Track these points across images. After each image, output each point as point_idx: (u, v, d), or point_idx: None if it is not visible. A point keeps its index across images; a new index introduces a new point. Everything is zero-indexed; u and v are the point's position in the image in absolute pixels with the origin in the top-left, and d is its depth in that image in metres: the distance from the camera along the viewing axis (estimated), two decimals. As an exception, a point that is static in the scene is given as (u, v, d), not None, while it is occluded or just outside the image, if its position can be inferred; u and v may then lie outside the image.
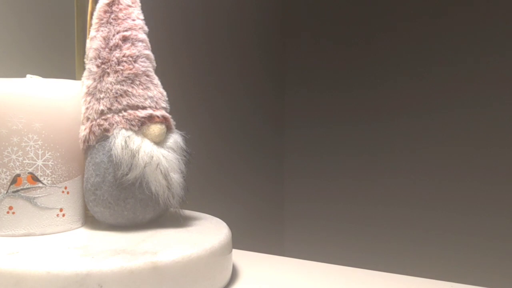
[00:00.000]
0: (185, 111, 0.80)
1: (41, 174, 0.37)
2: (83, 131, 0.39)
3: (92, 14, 0.40)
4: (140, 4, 0.41)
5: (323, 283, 0.39)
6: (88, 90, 0.39)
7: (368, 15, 1.10)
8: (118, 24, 0.39)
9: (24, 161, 0.37)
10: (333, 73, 1.14)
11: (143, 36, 0.40)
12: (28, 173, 0.37)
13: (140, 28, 0.40)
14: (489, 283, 0.42)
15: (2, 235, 0.37)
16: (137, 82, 0.39)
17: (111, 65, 0.38)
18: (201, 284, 0.34)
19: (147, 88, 0.39)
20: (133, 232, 0.38)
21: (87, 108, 0.39)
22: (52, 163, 0.38)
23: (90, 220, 0.42)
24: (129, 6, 0.40)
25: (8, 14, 0.53)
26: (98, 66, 0.39)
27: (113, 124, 0.38)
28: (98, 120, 0.38)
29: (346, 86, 1.13)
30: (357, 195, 1.11)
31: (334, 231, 1.14)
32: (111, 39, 0.39)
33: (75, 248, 0.34)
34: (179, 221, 0.41)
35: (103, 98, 0.38)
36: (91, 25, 0.40)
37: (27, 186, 0.37)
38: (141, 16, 0.40)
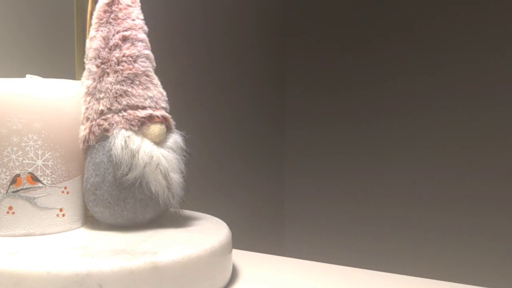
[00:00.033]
0: (185, 111, 0.80)
1: (41, 174, 0.37)
2: (83, 131, 0.39)
3: (92, 14, 0.40)
4: (140, 4, 0.41)
5: (323, 283, 0.39)
6: (88, 90, 0.39)
7: (368, 15, 1.10)
8: (118, 24, 0.39)
9: (24, 161, 0.37)
10: (333, 73, 1.14)
11: (143, 36, 0.40)
12: (28, 173, 0.37)
13: (140, 28, 0.40)
14: (489, 283, 0.42)
15: (2, 235, 0.37)
16: (137, 82, 0.39)
17: (110, 65, 0.38)
18: (201, 284, 0.34)
19: (147, 88, 0.39)
20: (133, 232, 0.38)
21: (87, 108, 0.39)
22: (52, 163, 0.38)
23: (90, 220, 0.42)
24: (129, 6, 0.40)
25: (8, 14, 0.53)
26: (97, 66, 0.39)
27: (113, 124, 0.38)
28: (98, 120, 0.38)
29: (346, 86, 1.13)
30: (357, 195, 1.11)
31: (334, 231, 1.14)
32: (111, 39, 0.39)
33: (75, 248, 0.34)
34: (179, 221, 0.41)
35: (103, 98, 0.38)
36: (91, 25, 0.40)
37: (27, 186, 0.37)
38: (141, 16, 0.40)
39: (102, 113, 0.38)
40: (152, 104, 0.39)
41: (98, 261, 0.31)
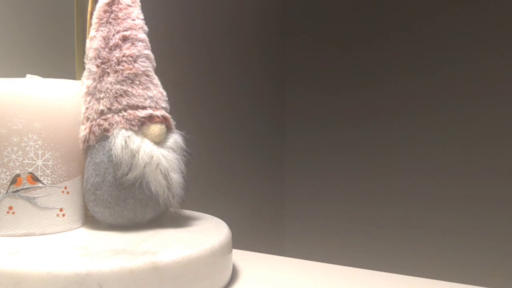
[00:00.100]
0: (185, 111, 0.80)
1: (41, 174, 0.37)
2: (83, 131, 0.39)
3: (92, 14, 0.40)
4: (140, 4, 0.41)
5: (323, 283, 0.39)
6: (88, 90, 0.39)
7: (368, 15, 1.10)
8: (118, 24, 0.39)
9: (24, 161, 0.37)
10: (333, 73, 1.14)
11: (143, 36, 0.40)
12: (28, 173, 0.37)
13: (140, 28, 0.40)
14: (489, 283, 0.42)
15: (2, 235, 0.37)
16: (137, 82, 0.39)
17: (111, 65, 0.38)
18: (201, 284, 0.34)
19: (147, 88, 0.39)
20: (133, 232, 0.38)
21: (87, 108, 0.39)
22: (52, 163, 0.38)
23: (90, 220, 0.42)
24: (129, 5, 0.40)
25: (8, 14, 0.53)
26: (98, 66, 0.39)
27: (113, 124, 0.38)
28: (98, 120, 0.38)
29: (346, 86, 1.13)
30: (357, 195, 1.11)
31: (334, 231, 1.14)
32: (111, 39, 0.39)
33: (75, 248, 0.34)
34: (179, 221, 0.41)
35: (103, 98, 0.38)
36: (91, 25, 0.40)
37: (27, 186, 0.37)
38: (141, 16, 0.40)
39: (102, 113, 0.38)
40: (152, 104, 0.39)
41: (98, 261, 0.31)
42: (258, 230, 1.07)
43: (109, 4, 0.39)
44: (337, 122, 1.14)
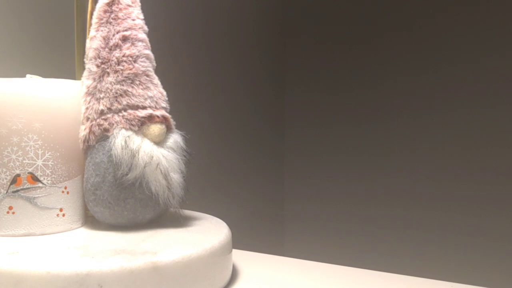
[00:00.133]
0: (185, 111, 0.80)
1: (41, 174, 0.37)
2: (83, 131, 0.39)
3: (92, 14, 0.40)
4: (140, 3, 0.41)
5: (323, 283, 0.39)
6: (88, 90, 0.39)
7: (368, 15, 1.10)
8: (118, 24, 0.39)
9: (24, 161, 0.37)
10: (333, 73, 1.14)
11: (143, 36, 0.40)
12: (28, 173, 0.37)
13: (140, 28, 0.40)
14: (489, 283, 0.42)
15: (2, 235, 0.37)
16: (137, 82, 0.39)
17: (111, 65, 0.38)
18: (201, 284, 0.34)
19: (147, 88, 0.39)
20: (133, 232, 0.38)
21: (87, 108, 0.39)
22: (52, 163, 0.38)
23: (90, 220, 0.42)
24: (129, 5, 0.40)
25: (8, 14, 0.53)
26: (98, 66, 0.39)
27: (113, 124, 0.38)
28: (98, 120, 0.38)
29: (346, 86, 1.13)
30: (357, 195, 1.11)
31: (334, 231, 1.14)
32: (111, 39, 0.39)
33: (75, 248, 0.34)
34: (179, 221, 0.41)
35: (103, 98, 0.38)
36: (91, 25, 0.40)
37: (27, 186, 0.37)
38: (141, 16, 0.40)
39: (102, 113, 0.38)
40: (152, 104, 0.39)
41: (98, 261, 0.31)
42: (258, 230, 1.07)
43: (109, 4, 0.39)
44: (337, 122, 1.14)
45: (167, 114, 0.40)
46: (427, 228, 1.03)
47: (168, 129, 0.40)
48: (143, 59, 0.39)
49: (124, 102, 0.38)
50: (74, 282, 0.29)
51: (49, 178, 0.38)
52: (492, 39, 0.97)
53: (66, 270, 0.29)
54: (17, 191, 0.37)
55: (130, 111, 0.38)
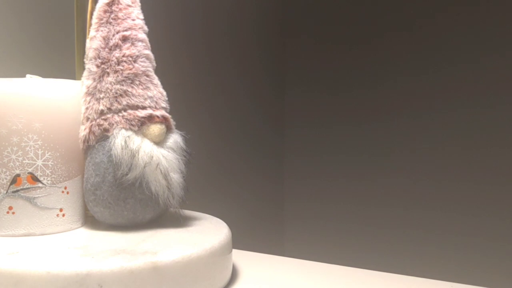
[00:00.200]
0: (185, 111, 0.80)
1: (41, 174, 0.37)
2: (83, 131, 0.39)
3: (92, 14, 0.40)
4: (140, 4, 0.41)
5: (323, 283, 0.39)
6: (88, 90, 0.39)
7: (368, 15, 1.10)
8: (118, 24, 0.39)
9: (24, 161, 0.37)
10: (333, 73, 1.14)
11: (143, 36, 0.40)
12: (28, 173, 0.37)
13: (140, 28, 0.40)
14: (489, 283, 0.42)
15: (2, 235, 0.37)
16: (137, 82, 0.39)
17: (111, 65, 0.38)
18: (201, 284, 0.34)
19: (147, 88, 0.39)
20: (133, 232, 0.38)
21: (87, 108, 0.39)
22: (52, 163, 0.38)
23: (90, 220, 0.42)
24: (129, 5, 0.40)
25: (8, 14, 0.53)
26: (97, 66, 0.39)
27: (113, 124, 0.38)
28: (98, 120, 0.38)
29: (346, 86, 1.13)
30: (357, 195, 1.11)
31: (334, 231, 1.14)
32: (111, 39, 0.39)
33: (75, 248, 0.34)
34: (179, 221, 0.41)
35: (103, 98, 0.38)
36: (91, 25, 0.40)
37: (27, 186, 0.37)
38: (141, 16, 0.40)
39: (102, 113, 0.38)
40: (152, 104, 0.39)
41: (98, 261, 0.31)
42: (258, 230, 1.07)
43: (109, 4, 0.39)
44: (337, 122, 1.14)
45: (167, 114, 0.40)
46: (427, 228, 1.03)
47: (168, 129, 0.40)
48: (143, 59, 0.39)
49: (124, 102, 0.38)
50: (74, 282, 0.29)
51: (49, 178, 0.38)
52: (492, 39, 0.97)
53: (66, 270, 0.29)
54: (17, 191, 0.37)
55: (130, 111, 0.38)
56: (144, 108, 0.38)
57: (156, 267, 0.31)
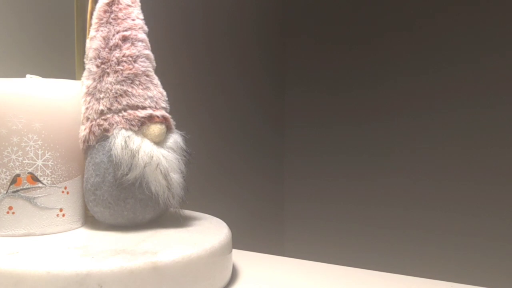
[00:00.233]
0: (185, 111, 0.80)
1: (41, 174, 0.37)
2: (83, 131, 0.39)
3: (92, 14, 0.40)
4: (140, 4, 0.41)
5: (323, 283, 0.39)
6: (88, 90, 0.39)
7: (368, 15, 1.10)
8: (118, 24, 0.39)
9: (24, 161, 0.37)
10: (333, 73, 1.14)
11: (143, 36, 0.40)
12: (28, 173, 0.37)
13: (140, 28, 0.40)
14: (489, 283, 0.42)
15: (2, 235, 0.37)
16: (137, 82, 0.39)
17: (111, 65, 0.38)
18: (201, 284, 0.34)
19: (147, 88, 0.39)
20: (133, 232, 0.38)
21: (87, 108, 0.39)
22: (52, 163, 0.38)
23: (90, 220, 0.42)
24: (129, 6, 0.40)
25: (8, 14, 0.53)
26: (98, 66, 0.39)
27: (113, 124, 0.38)
28: (98, 120, 0.38)
29: (346, 86, 1.13)
30: (357, 195, 1.11)
31: (334, 231, 1.14)
32: (111, 39, 0.39)
33: (75, 248, 0.34)
34: (179, 221, 0.41)
35: (103, 98, 0.38)
36: (91, 25, 0.40)
37: (27, 186, 0.37)
38: (141, 16, 0.40)
39: (102, 113, 0.38)
40: (152, 104, 0.39)
41: (98, 261, 0.31)
42: (258, 230, 1.07)
43: (109, 4, 0.39)
44: (337, 122, 1.14)
45: (167, 114, 0.40)
46: (427, 228, 1.03)
47: (168, 129, 0.40)
48: (143, 59, 0.39)
49: (124, 102, 0.38)
50: (74, 282, 0.29)
51: (49, 178, 0.38)
52: (492, 39, 0.97)
53: (66, 270, 0.29)
54: (17, 191, 0.37)
55: (130, 111, 0.38)
56: (144, 108, 0.38)
57: (156, 267, 0.31)
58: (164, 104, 0.40)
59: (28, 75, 0.40)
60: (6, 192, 0.37)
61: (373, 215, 1.09)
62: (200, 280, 0.34)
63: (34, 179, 0.37)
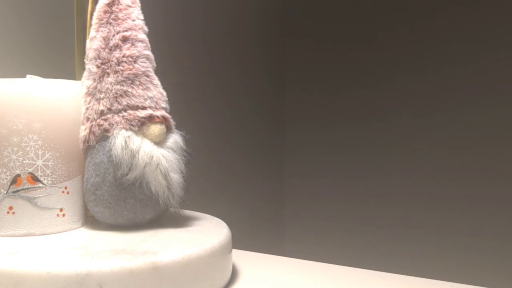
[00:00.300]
0: (185, 111, 0.80)
1: (41, 174, 0.37)
2: (83, 131, 0.39)
3: (92, 14, 0.40)
4: (140, 4, 0.41)
5: (323, 283, 0.39)
6: (88, 91, 0.39)
7: (368, 15, 1.10)
8: (118, 25, 0.39)
9: (24, 161, 0.37)
10: (333, 73, 1.14)
11: (143, 36, 0.40)
12: (28, 173, 0.37)
13: (140, 29, 0.40)
14: (489, 283, 0.42)
15: (2, 235, 0.37)
16: (137, 83, 0.39)
17: (111, 66, 0.38)
18: (201, 284, 0.34)
19: (147, 88, 0.39)
20: (133, 232, 0.38)
21: (87, 108, 0.39)
22: (52, 163, 0.38)
23: (90, 220, 0.42)
24: (129, 6, 0.40)
25: (8, 14, 0.53)
26: (98, 67, 0.39)
27: (113, 124, 0.38)
28: (98, 120, 0.38)
29: (346, 86, 1.13)
30: (357, 195, 1.11)
31: (334, 231, 1.14)
32: (111, 40, 0.39)
33: (75, 248, 0.34)
34: (179, 221, 0.41)
35: (103, 99, 0.38)
36: (91, 25, 0.40)
37: (27, 186, 0.37)
38: (141, 16, 0.40)
39: (102, 113, 0.38)
40: (152, 104, 0.39)
41: (98, 261, 0.31)
42: (258, 230, 1.07)
43: (109, 5, 0.39)
44: (337, 122, 1.14)
45: (167, 115, 0.40)
46: (427, 228, 1.03)
47: (168, 129, 0.40)
48: (143, 59, 0.39)
49: (124, 103, 0.38)
50: (74, 282, 0.29)
51: (49, 178, 0.38)
52: (492, 39, 0.97)
53: (66, 270, 0.29)
54: (17, 191, 0.37)
55: (130, 111, 0.38)
56: (144, 108, 0.38)
57: (156, 267, 0.31)
58: (164, 104, 0.40)
59: (28, 75, 0.40)
60: (7, 192, 0.37)
61: (373, 215, 1.09)
62: (200, 280, 0.34)
63: (35, 179, 0.37)
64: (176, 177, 0.38)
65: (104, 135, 0.38)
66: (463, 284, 0.38)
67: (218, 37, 0.92)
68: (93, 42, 0.39)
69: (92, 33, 0.40)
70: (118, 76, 0.38)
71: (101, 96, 0.38)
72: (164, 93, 0.41)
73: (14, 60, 0.53)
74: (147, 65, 0.39)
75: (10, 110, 0.37)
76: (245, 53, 1.01)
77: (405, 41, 1.05)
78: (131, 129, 0.38)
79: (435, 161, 1.03)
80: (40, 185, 0.37)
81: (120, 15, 0.39)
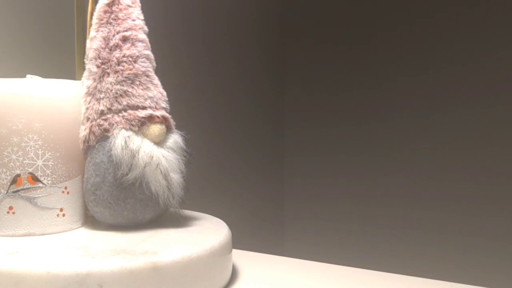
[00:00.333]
0: (185, 111, 0.80)
1: (41, 174, 0.37)
2: (83, 131, 0.39)
3: (92, 14, 0.40)
4: (140, 4, 0.41)
5: (323, 283, 0.39)
6: (88, 90, 0.39)
7: (368, 15, 1.10)
8: (118, 24, 0.39)
9: (24, 161, 0.37)
10: (333, 73, 1.14)
11: (143, 36, 0.40)
12: (28, 173, 0.37)
13: (140, 28, 0.40)
14: (489, 283, 0.42)
15: (2, 235, 0.37)
16: (137, 82, 0.39)
17: (111, 65, 0.38)
18: (201, 284, 0.34)
19: (147, 88, 0.39)
20: (133, 232, 0.38)
21: (87, 108, 0.39)
22: (52, 163, 0.38)
23: (90, 220, 0.42)
24: (129, 6, 0.40)
25: (8, 14, 0.53)
26: (98, 66, 0.39)
27: (113, 124, 0.38)
28: (98, 120, 0.38)
29: (346, 86, 1.13)
30: (357, 195, 1.11)
31: (334, 231, 1.14)
32: (111, 39, 0.39)
33: (75, 248, 0.34)
34: (179, 221, 0.41)
35: (103, 98, 0.38)
36: (91, 25, 0.40)
37: (27, 186, 0.37)
38: (141, 16, 0.40)
39: (102, 113, 0.38)
40: (152, 104, 0.39)
41: (98, 261, 0.31)
42: (258, 230, 1.07)
43: (109, 5, 0.39)
44: (337, 122, 1.14)
45: (167, 115, 0.40)
46: (427, 228, 1.03)
47: (168, 129, 0.40)
48: (143, 59, 0.39)
49: (124, 103, 0.38)
50: (74, 282, 0.29)
51: (49, 178, 0.38)
52: (492, 39, 0.97)
53: (66, 270, 0.29)
54: (17, 191, 0.37)
55: (130, 111, 0.38)
56: (144, 108, 0.39)
57: (156, 267, 0.31)
58: (164, 104, 0.40)
59: (28, 75, 0.40)
60: (7, 192, 0.37)
61: (373, 215, 1.09)
62: (200, 280, 0.34)
63: (35, 179, 0.37)
64: (176, 177, 0.38)
65: (104, 135, 0.38)
66: (463, 284, 0.38)
67: (218, 37, 0.92)
68: (93, 42, 0.39)
69: (92, 33, 0.40)
70: (118, 76, 0.38)
71: (101, 96, 0.38)
72: (164, 93, 0.41)
73: (14, 60, 0.53)
74: (147, 65, 0.39)
75: (10, 110, 0.37)
76: (245, 53, 1.01)
77: (405, 41, 1.05)
78: (131, 129, 0.38)
79: (435, 161, 1.03)
80: (40, 185, 0.37)
81: (120, 15, 0.39)
